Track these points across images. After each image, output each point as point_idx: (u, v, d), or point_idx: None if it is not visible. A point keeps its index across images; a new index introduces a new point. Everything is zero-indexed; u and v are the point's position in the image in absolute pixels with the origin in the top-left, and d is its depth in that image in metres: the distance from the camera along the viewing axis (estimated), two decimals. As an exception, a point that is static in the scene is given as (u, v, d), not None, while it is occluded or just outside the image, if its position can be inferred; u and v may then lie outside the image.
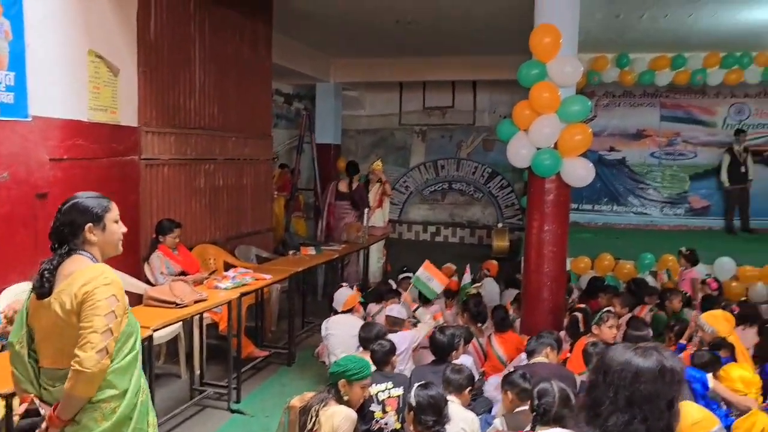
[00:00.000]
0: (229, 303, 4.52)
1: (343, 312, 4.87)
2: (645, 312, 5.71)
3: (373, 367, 3.52)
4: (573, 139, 4.89)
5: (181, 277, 4.59)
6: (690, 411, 2.91)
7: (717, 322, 4.21)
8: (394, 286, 6.08)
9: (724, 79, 9.44)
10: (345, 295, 4.94)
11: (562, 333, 4.78)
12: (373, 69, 11.18)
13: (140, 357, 2.33)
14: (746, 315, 5.20)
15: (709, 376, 3.61)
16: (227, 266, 5.78)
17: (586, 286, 6.69)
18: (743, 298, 7.09)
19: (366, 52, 10.45)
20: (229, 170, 6.64)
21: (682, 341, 4.56)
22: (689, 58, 9.44)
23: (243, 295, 4.65)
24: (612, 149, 11.53)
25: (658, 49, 9.37)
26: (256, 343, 5.54)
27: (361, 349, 4.24)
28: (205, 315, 4.89)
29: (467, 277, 6.36)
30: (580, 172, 4.96)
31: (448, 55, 10.37)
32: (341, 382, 3.15)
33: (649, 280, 7.11)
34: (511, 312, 5.55)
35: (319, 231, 8.38)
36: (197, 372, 4.88)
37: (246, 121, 6.93)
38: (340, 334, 4.64)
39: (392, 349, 3.86)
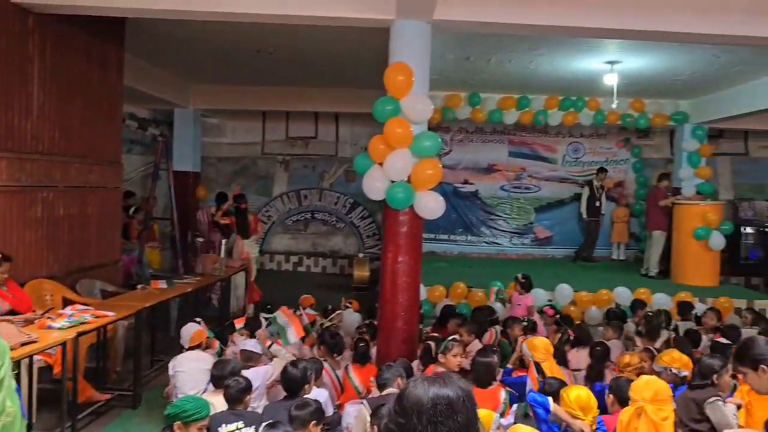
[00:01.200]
0: (63, 344, 4.15)
1: (191, 348, 4.65)
2: (493, 338, 6.02)
3: (223, 407, 3.39)
4: (425, 173, 5.10)
5: (7, 317, 4.16)
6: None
7: (535, 348, 4.53)
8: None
9: (563, 120, 10.33)
10: (191, 330, 4.74)
11: (416, 362, 4.91)
12: (236, 96, 10.98)
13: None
14: (580, 338, 5.67)
15: (550, 400, 3.85)
16: (66, 302, 5.33)
17: (439, 314, 6.93)
18: (578, 322, 7.70)
19: (228, 79, 10.27)
20: (71, 198, 6.17)
21: (509, 365, 4.88)
22: (533, 100, 10.24)
23: (80, 334, 4.30)
24: (466, 182, 12.18)
25: (505, 90, 10.08)
26: (97, 386, 5.14)
27: (211, 386, 4.08)
28: (37, 358, 4.45)
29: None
30: (431, 205, 5.17)
31: (311, 86, 10.47)
32: (177, 424, 3.01)
33: (498, 307, 7.52)
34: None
35: (181, 262, 8.01)
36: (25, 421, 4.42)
37: (92, 146, 6.51)
38: (189, 371, 4.43)
39: (248, 386, 3.75)
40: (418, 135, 5.12)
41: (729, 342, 5.21)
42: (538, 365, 4.45)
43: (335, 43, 7.45)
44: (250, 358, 4.64)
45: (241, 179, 12.94)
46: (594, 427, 3.87)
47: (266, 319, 6.37)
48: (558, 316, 6.60)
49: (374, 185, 5.17)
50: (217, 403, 3.66)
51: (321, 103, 11.07)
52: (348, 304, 7.06)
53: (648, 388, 2.95)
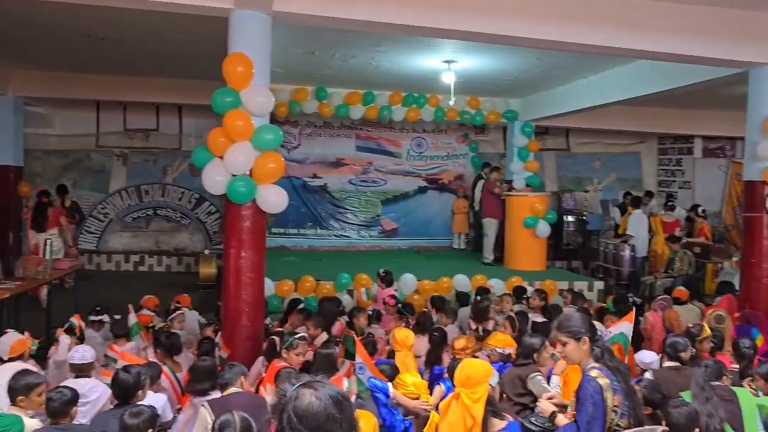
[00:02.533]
0: None
1: (11, 359, 4.23)
2: (342, 330, 6.10)
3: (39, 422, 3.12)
4: (267, 166, 5.04)
5: None
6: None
7: (394, 339, 4.78)
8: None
9: (406, 116, 10.71)
10: (10, 340, 4.30)
11: (261, 358, 4.85)
12: (65, 84, 10.04)
13: None
14: (421, 324, 5.93)
15: (390, 385, 4.00)
16: None
17: (286, 308, 6.91)
18: (424, 309, 8.05)
19: (55, 65, 9.38)
20: None
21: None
22: (377, 96, 10.51)
23: None
24: (315, 176, 12.23)
25: (351, 85, 10.24)
26: None
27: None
28: None
29: None
30: (274, 199, 5.13)
31: (151, 75, 9.89)
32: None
33: (346, 299, 7.64)
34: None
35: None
36: None
37: None
38: (5, 385, 4.01)
39: (74, 397, 3.46)
40: (260, 128, 5.05)
41: (549, 321, 5.71)
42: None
43: (176, 32, 7.10)
44: (81, 370, 4.28)
45: (73, 174, 11.98)
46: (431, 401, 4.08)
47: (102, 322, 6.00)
48: (400, 305, 6.83)
49: (214, 179, 5.02)
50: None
51: (163, 93, 10.50)
52: (177, 303, 6.77)
53: (462, 373, 3.13)
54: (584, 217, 12.25)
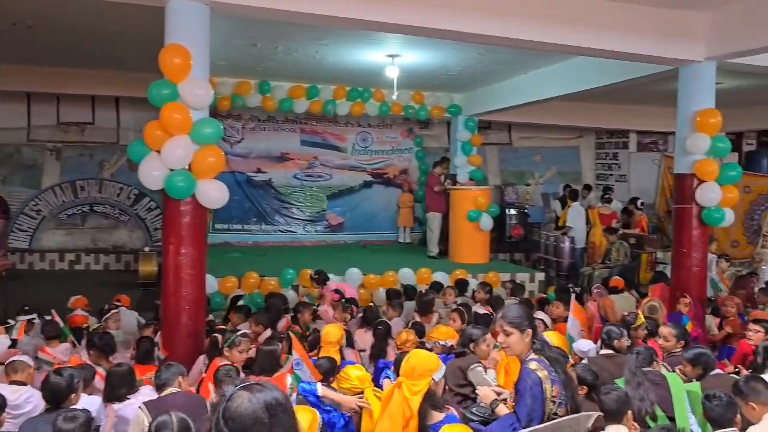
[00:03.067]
0: None
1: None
2: (288, 326, 6.05)
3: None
4: (206, 161, 4.93)
5: None
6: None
7: (326, 335, 4.68)
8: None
9: (351, 110, 10.68)
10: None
11: (202, 357, 4.75)
12: (-10, 75, 9.59)
13: None
14: (366, 318, 5.94)
15: (318, 385, 3.94)
16: None
17: (228, 305, 6.80)
18: (370, 303, 8.07)
19: (-21, 54, 8.93)
20: None
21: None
22: (321, 90, 10.43)
23: None
24: (259, 171, 12.06)
25: (295, 78, 10.13)
26: None
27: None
28: None
29: None
30: (214, 194, 5.02)
31: (87, 67, 9.53)
32: None
33: (291, 294, 7.58)
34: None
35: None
36: None
37: None
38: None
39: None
40: (199, 121, 4.92)
41: (489, 313, 5.82)
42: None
43: (111, 21, 6.85)
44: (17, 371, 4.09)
45: (2, 169, 11.42)
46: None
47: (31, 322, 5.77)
48: (343, 300, 6.82)
49: (151, 174, 4.87)
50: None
51: (98, 85, 10.14)
52: (117, 302, 6.57)
53: (408, 363, 3.15)
54: (526, 210, 12.51)
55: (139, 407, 3.41)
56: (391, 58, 8.34)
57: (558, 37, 5.79)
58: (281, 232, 12.24)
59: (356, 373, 4.08)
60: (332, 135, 12.53)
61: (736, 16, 5.96)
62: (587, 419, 3.27)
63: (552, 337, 4.74)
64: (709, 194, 6.39)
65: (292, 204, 12.33)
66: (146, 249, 10.93)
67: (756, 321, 5.48)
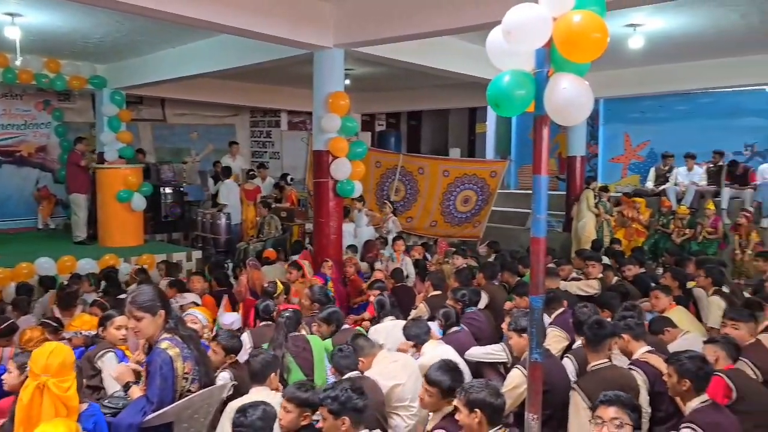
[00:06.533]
0: None
1: None
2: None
3: None
4: None
5: None
6: None
7: None
8: None
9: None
10: None
11: None
12: None
13: None
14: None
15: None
16: None
17: None
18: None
19: None
20: None
21: None
22: None
23: None
24: None
25: None
26: None
27: None
28: None
29: None
30: None
31: None
32: None
33: None
34: None
35: None
36: None
37: None
38: None
39: None
40: None
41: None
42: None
43: None
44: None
45: None
46: None
47: None
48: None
49: None
50: None
51: None
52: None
53: (38, 361, 2.86)
54: (182, 189, 12.23)
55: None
56: (11, 17, 7.22)
57: (192, 11, 5.67)
58: None
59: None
60: None
61: (362, 8, 6.67)
62: (221, 390, 3.39)
63: (203, 312, 4.84)
64: (341, 168, 7.14)
65: None
66: None
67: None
